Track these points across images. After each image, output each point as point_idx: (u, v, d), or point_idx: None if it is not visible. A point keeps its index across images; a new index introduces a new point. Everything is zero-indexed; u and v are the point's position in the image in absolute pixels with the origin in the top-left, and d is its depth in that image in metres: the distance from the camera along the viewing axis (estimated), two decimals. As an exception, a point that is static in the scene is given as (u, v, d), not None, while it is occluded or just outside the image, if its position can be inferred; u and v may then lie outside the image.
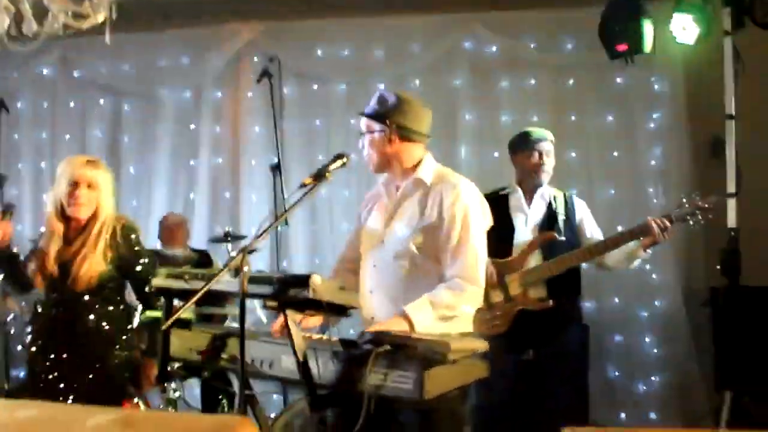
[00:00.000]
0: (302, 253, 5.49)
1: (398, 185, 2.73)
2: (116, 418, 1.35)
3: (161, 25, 5.70)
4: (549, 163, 3.71)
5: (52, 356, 3.10)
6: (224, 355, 2.27)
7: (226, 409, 4.21)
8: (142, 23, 5.34)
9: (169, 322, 2.03)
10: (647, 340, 4.97)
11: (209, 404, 4.38)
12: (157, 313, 2.46)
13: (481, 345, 2.21)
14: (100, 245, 3.11)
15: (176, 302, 2.36)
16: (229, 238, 4.77)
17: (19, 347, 5.55)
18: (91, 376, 3.07)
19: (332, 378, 2.16)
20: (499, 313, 3.54)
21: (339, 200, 5.42)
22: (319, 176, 2.44)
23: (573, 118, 5.23)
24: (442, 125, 4.63)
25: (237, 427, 1.28)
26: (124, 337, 3.17)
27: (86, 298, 3.13)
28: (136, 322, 3.43)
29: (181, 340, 2.37)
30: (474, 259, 2.57)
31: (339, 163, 2.51)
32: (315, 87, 5.57)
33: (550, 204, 3.73)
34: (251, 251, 2.07)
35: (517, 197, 3.75)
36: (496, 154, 5.08)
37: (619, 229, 3.99)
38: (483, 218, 2.67)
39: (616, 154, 5.15)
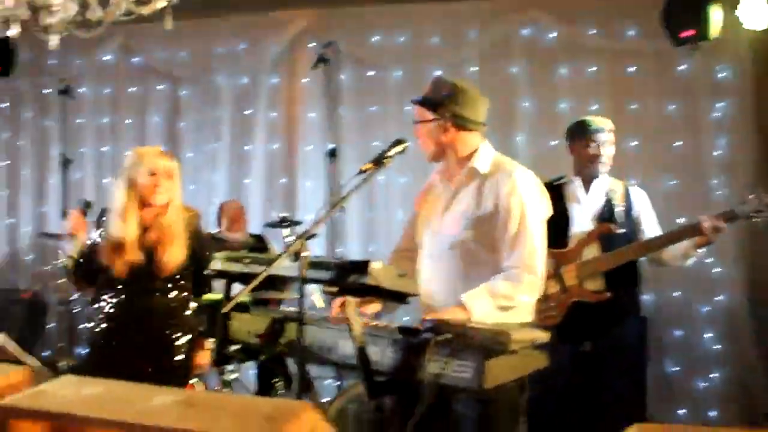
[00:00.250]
0: (357, 241, 5.49)
1: (454, 174, 2.70)
2: (179, 398, 1.36)
3: (218, 11, 5.74)
4: (607, 153, 3.63)
5: (122, 338, 3.19)
6: (282, 339, 2.28)
7: (280, 392, 4.25)
8: (199, 10, 5.39)
9: (231, 305, 2.04)
10: (708, 335, 4.84)
11: (264, 387, 4.43)
12: (216, 296, 2.49)
13: (542, 335, 2.17)
14: (181, 233, 3.20)
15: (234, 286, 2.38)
16: (284, 223, 4.80)
17: (82, 326, 5.72)
18: (157, 359, 3.15)
19: (390, 365, 2.15)
20: (553, 304, 3.48)
21: (395, 188, 5.40)
22: (378, 162, 2.42)
23: (634, 106, 5.09)
24: (499, 113, 4.57)
25: (298, 411, 1.27)
26: (188, 321, 3.24)
27: (159, 283, 3.21)
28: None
29: (240, 323, 2.38)
30: (532, 249, 2.52)
31: (398, 148, 2.49)
32: (371, 73, 5.55)
33: (608, 195, 3.65)
34: (310, 236, 2.07)
35: (573, 187, 3.68)
36: (553, 143, 4.99)
37: (680, 221, 3.89)
38: (541, 207, 2.62)
39: (678, 144, 5.00)
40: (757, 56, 4.70)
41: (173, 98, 6.08)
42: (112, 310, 3.26)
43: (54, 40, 3.42)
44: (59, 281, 5.41)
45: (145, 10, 3.44)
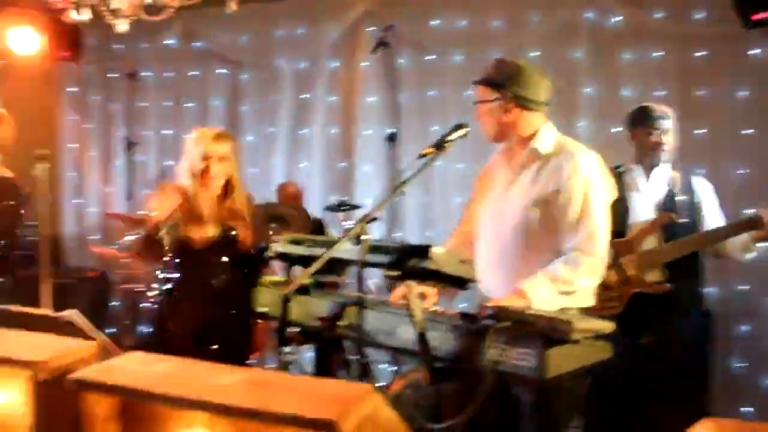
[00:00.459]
0: (414, 225, 5.49)
1: (515, 155, 2.67)
2: (245, 377, 1.38)
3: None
4: (669, 141, 3.54)
5: (182, 316, 3.23)
6: (342, 323, 2.29)
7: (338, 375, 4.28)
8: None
9: (293, 286, 2.06)
10: (777, 330, 4.69)
11: (321, 370, 4.45)
12: (278, 278, 2.52)
13: (606, 326, 2.13)
14: (246, 213, 3.26)
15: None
16: (343, 207, 4.81)
17: (144, 304, 5.87)
18: (217, 338, 3.19)
19: (450, 351, 2.14)
20: (614, 294, 3.42)
21: (453, 172, 5.36)
22: (439, 146, 2.41)
23: (701, 93, 4.91)
24: (560, 98, 4.47)
25: (362, 394, 1.28)
26: (249, 301, 3.26)
27: (223, 262, 3.25)
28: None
29: (300, 306, 2.40)
30: (593, 231, 2.48)
31: (459, 133, 2.47)
32: (430, 57, 5.50)
33: (669, 184, 3.56)
34: (371, 220, 2.07)
35: (633, 176, 3.59)
36: (615, 130, 4.87)
37: (748, 212, 3.76)
38: (605, 190, 2.57)
39: (748, 132, 4.83)
40: (835, 40, 4.50)
41: (234, 82, 6.16)
42: (173, 288, 3.30)
43: (122, 25, 3.49)
44: (124, 261, 5.56)
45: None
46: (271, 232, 3.56)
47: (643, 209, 3.53)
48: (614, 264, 3.42)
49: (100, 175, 6.65)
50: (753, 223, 3.30)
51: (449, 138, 2.41)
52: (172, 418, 1.38)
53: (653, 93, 4.80)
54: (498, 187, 2.70)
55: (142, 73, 6.19)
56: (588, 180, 2.50)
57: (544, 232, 2.52)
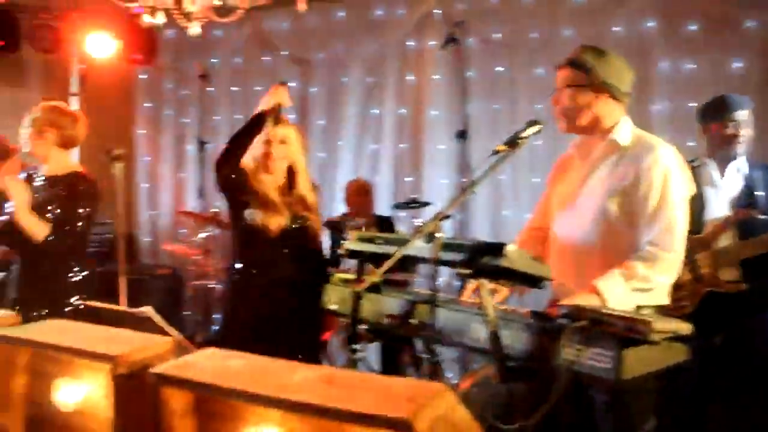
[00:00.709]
0: (484, 222, 5.44)
1: (592, 148, 2.60)
2: (319, 374, 1.38)
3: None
4: (746, 134, 3.39)
5: (256, 306, 3.23)
6: (413, 321, 2.27)
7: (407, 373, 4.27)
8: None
9: (366, 284, 2.05)
10: None
11: (389, 367, 4.47)
12: (348, 275, 2.52)
13: (685, 327, 2.05)
14: (315, 203, 3.27)
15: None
16: (413, 205, 4.80)
17: (216, 300, 5.99)
18: (289, 333, 3.19)
19: (522, 350, 2.10)
20: (685, 293, 3.30)
21: (523, 168, 5.29)
22: (513, 143, 2.36)
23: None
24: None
25: (436, 393, 1.26)
26: (317, 297, 3.25)
27: (297, 250, 3.24)
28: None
29: (371, 303, 2.40)
30: (671, 225, 2.41)
31: (533, 129, 2.41)
32: (498, 36, 5.46)
33: (746, 179, 3.42)
34: (445, 217, 2.05)
35: (708, 170, 3.47)
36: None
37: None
38: (684, 184, 2.49)
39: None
40: None
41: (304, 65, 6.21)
42: (244, 277, 3.30)
43: (195, 28, 3.56)
44: (195, 258, 5.69)
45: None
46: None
47: (719, 205, 3.41)
48: (688, 261, 3.30)
49: (173, 170, 6.80)
50: None
51: (523, 135, 2.36)
52: (245, 415, 1.39)
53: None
54: (573, 181, 2.64)
55: (212, 60, 6.29)
56: (667, 173, 2.42)
57: (622, 225, 2.45)
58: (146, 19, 3.84)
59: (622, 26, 5.12)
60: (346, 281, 2.51)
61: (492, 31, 5.47)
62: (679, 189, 2.45)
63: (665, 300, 2.44)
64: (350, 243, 2.37)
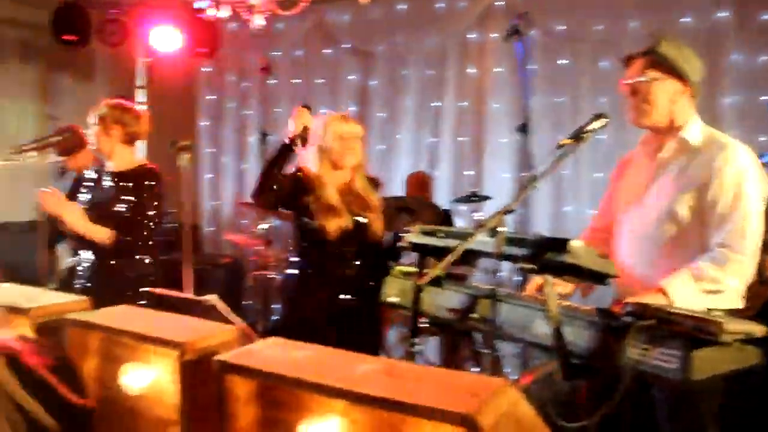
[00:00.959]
0: (545, 218, 5.37)
1: (661, 145, 2.52)
2: (382, 367, 1.39)
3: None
4: None
5: (316, 304, 3.27)
6: (474, 315, 2.25)
7: (467, 367, 4.26)
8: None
9: (428, 277, 2.05)
10: None
11: (448, 361, 4.45)
12: (410, 269, 2.51)
13: (759, 329, 1.98)
14: (376, 200, 3.30)
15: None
16: (473, 199, 4.77)
17: (276, 291, 6.06)
18: (348, 327, 3.21)
19: (586, 348, 2.06)
20: (749, 295, 3.18)
21: (587, 180, 5.21)
22: (578, 137, 2.31)
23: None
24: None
25: (500, 389, 1.24)
26: (376, 290, 3.26)
27: (357, 249, 3.28)
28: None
29: (430, 297, 2.38)
30: (744, 226, 2.32)
31: (598, 123, 2.35)
32: (561, 28, 5.38)
33: None
34: (509, 212, 2.02)
35: None
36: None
37: None
38: (759, 184, 2.39)
39: None
40: None
41: (365, 58, 6.22)
42: (304, 276, 3.35)
43: (259, 20, 3.60)
44: (257, 248, 5.76)
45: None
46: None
47: None
48: (756, 264, 3.19)
49: (235, 161, 6.91)
50: None
51: (588, 128, 2.30)
52: (308, 404, 1.40)
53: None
54: (640, 180, 2.57)
55: (274, 52, 6.35)
56: (742, 172, 2.33)
57: (692, 226, 2.38)
58: (210, 13, 3.90)
59: (692, 17, 4.97)
60: (407, 274, 2.50)
61: (555, 23, 5.38)
62: (755, 189, 2.36)
63: (738, 304, 2.36)
64: (412, 236, 2.36)
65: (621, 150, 2.83)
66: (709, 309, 2.25)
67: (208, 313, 2.13)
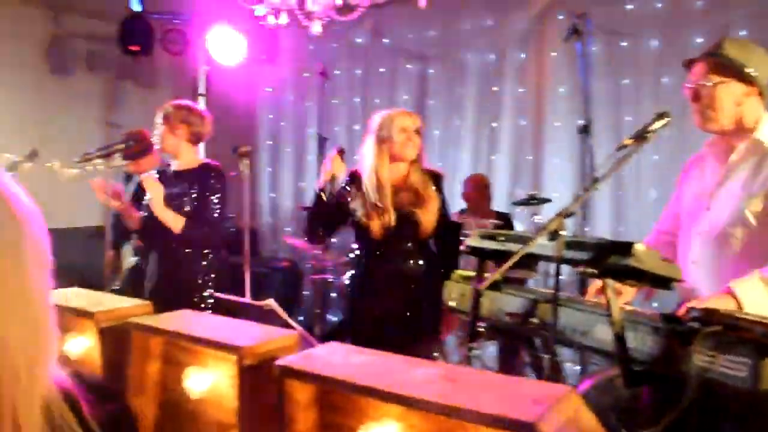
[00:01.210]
0: (605, 220, 5.27)
1: (732, 146, 2.44)
2: (441, 372, 1.37)
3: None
4: None
5: (374, 303, 3.28)
6: (534, 320, 2.21)
7: (526, 373, 4.21)
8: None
9: (489, 282, 2.02)
10: None
11: (506, 366, 4.40)
12: (468, 272, 2.49)
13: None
14: (432, 195, 3.26)
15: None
16: (533, 201, 4.71)
17: (334, 295, 6.11)
18: (407, 326, 3.21)
19: (649, 354, 2.00)
20: None
21: (647, 165, 5.08)
22: (640, 137, 2.25)
23: None
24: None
25: (562, 396, 1.22)
26: (435, 290, 3.22)
27: (409, 245, 3.26)
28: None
29: (490, 301, 2.36)
30: None
31: (661, 122, 2.29)
32: (624, 44, 5.24)
33: None
34: (569, 215, 1.98)
35: None
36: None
37: None
38: None
39: None
40: None
41: (421, 77, 6.23)
42: (361, 275, 3.36)
43: (316, 27, 3.63)
44: (315, 252, 5.81)
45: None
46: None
47: None
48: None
49: (294, 170, 7.00)
50: None
51: (651, 128, 2.24)
52: (366, 409, 1.40)
53: None
54: (708, 181, 2.49)
55: (335, 72, 6.43)
56: None
57: (763, 229, 2.29)
58: (270, 21, 3.95)
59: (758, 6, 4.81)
60: (466, 278, 2.48)
61: (616, 24, 5.27)
62: None
63: None
64: (472, 240, 2.33)
65: (683, 152, 2.74)
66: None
67: (267, 317, 2.15)
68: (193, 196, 3.42)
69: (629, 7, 5.19)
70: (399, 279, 3.26)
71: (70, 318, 2.10)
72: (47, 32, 6.16)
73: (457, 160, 5.96)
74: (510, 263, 1.92)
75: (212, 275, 3.43)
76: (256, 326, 1.82)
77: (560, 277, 2.06)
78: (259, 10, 4.00)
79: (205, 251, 3.45)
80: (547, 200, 4.77)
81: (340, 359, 1.47)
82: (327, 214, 3.35)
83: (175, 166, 3.56)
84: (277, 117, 7.11)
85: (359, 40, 6.46)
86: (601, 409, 2.64)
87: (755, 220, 2.30)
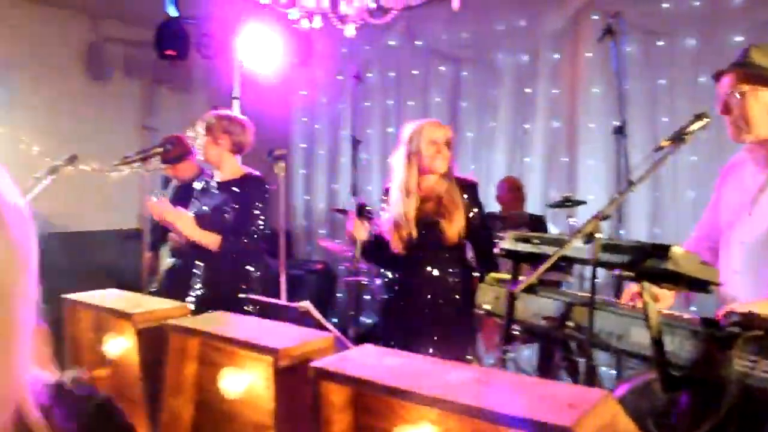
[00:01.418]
0: (642, 222, 5.20)
1: None
2: (475, 375, 1.37)
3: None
4: None
5: (404, 310, 3.30)
6: (570, 323, 2.20)
7: (562, 376, 4.18)
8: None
9: (524, 285, 2.01)
10: None
11: (543, 369, 4.37)
12: (503, 275, 2.47)
13: None
14: (459, 203, 3.24)
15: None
16: (567, 204, 4.68)
17: (367, 297, 6.12)
18: (438, 333, 3.21)
19: (687, 358, 1.98)
20: None
21: (684, 165, 5.01)
22: (678, 138, 2.22)
23: None
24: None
25: (599, 400, 1.21)
26: (467, 296, 3.22)
27: (439, 255, 3.27)
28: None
29: (525, 304, 2.34)
30: None
31: (700, 123, 2.25)
32: (660, 43, 5.17)
33: None
34: (605, 217, 1.97)
35: None
36: None
37: None
38: None
39: None
40: None
41: (454, 79, 6.22)
42: (393, 284, 3.39)
43: (350, 30, 3.64)
44: (349, 255, 5.83)
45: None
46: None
47: None
48: None
49: (328, 173, 7.02)
50: None
51: (689, 129, 2.21)
52: (401, 412, 1.40)
53: None
54: (749, 188, 2.45)
55: (367, 75, 6.44)
56: None
57: None
58: (304, 24, 3.97)
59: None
60: (500, 281, 2.47)
61: (652, 23, 5.21)
62: None
63: None
64: (506, 243, 2.32)
65: (720, 154, 2.70)
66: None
67: (302, 319, 2.16)
68: (235, 207, 3.44)
69: (665, 5, 5.13)
70: (428, 285, 3.27)
71: (109, 319, 2.13)
72: (86, 39, 6.28)
73: (491, 162, 5.93)
74: (545, 266, 1.91)
75: (256, 283, 3.46)
76: (291, 328, 1.83)
77: (596, 280, 2.04)
78: (293, 13, 4.03)
79: (248, 261, 3.48)
80: (582, 202, 4.72)
81: (375, 361, 1.47)
82: (375, 252, 3.40)
83: (218, 177, 3.60)
84: (311, 120, 7.15)
85: (392, 43, 6.46)
86: (639, 414, 2.61)
87: None
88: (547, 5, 5.59)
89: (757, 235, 2.35)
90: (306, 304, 2.21)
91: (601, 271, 2.42)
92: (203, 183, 3.65)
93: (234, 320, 1.99)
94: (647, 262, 1.85)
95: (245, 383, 1.77)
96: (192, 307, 3.24)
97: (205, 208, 3.54)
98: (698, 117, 2.25)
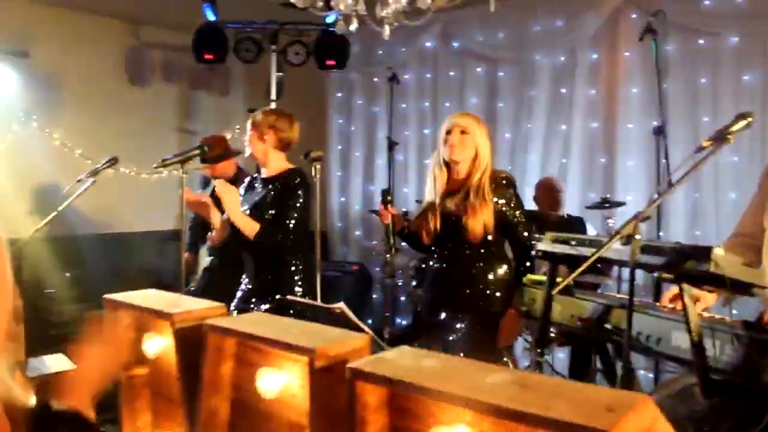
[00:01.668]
0: (682, 223, 5.12)
1: None
2: (513, 378, 1.36)
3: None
4: None
5: (436, 307, 3.28)
6: (607, 326, 2.17)
7: (597, 380, 4.11)
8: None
9: (561, 286, 2.00)
10: None
11: (576, 372, 4.30)
12: (540, 277, 2.46)
13: None
14: (487, 196, 3.18)
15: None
16: (606, 205, 4.62)
17: (403, 298, 6.12)
18: (471, 329, 3.18)
19: (728, 363, 1.94)
20: None
21: (726, 166, 4.91)
22: (721, 138, 2.18)
23: None
24: None
25: (638, 404, 1.19)
26: (504, 293, 3.18)
27: (469, 250, 3.22)
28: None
29: (562, 306, 2.33)
30: None
31: (742, 123, 2.21)
32: (701, 41, 5.08)
33: None
34: (645, 219, 1.94)
35: None
36: None
37: None
38: None
39: None
40: None
41: (490, 80, 6.18)
42: (423, 280, 3.39)
43: (386, 31, 3.64)
44: (386, 256, 5.83)
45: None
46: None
47: None
48: None
49: (364, 174, 7.04)
50: None
51: (732, 129, 2.17)
52: (437, 413, 1.39)
53: None
54: None
55: (404, 76, 6.45)
56: None
57: None
58: (340, 27, 3.99)
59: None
60: (537, 283, 2.45)
61: (693, 21, 5.11)
62: None
63: None
64: (543, 244, 2.31)
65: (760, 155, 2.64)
66: None
67: (337, 320, 2.17)
68: (274, 202, 3.44)
69: (706, 3, 5.02)
70: (455, 282, 3.24)
71: (149, 318, 2.16)
72: (126, 44, 6.40)
73: (527, 163, 5.88)
74: (583, 267, 1.89)
75: (301, 280, 3.47)
76: (327, 329, 1.84)
77: (635, 282, 2.01)
78: (329, 16, 4.05)
79: (292, 257, 3.49)
80: (621, 203, 4.67)
81: (411, 362, 1.47)
82: (412, 239, 3.45)
83: (264, 173, 3.61)
84: (347, 121, 7.18)
85: (428, 44, 6.45)
86: (678, 419, 2.56)
87: None
88: (585, 4, 5.51)
89: None
90: (342, 305, 2.21)
91: (640, 273, 2.39)
92: (250, 179, 3.68)
93: (270, 320, 2.00)
94: (687, 263, 1.83)
95: (281, 383, 1.78)
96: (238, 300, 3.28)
97: (247, 204, 3.56)
98: (741, 116, 2.22)
